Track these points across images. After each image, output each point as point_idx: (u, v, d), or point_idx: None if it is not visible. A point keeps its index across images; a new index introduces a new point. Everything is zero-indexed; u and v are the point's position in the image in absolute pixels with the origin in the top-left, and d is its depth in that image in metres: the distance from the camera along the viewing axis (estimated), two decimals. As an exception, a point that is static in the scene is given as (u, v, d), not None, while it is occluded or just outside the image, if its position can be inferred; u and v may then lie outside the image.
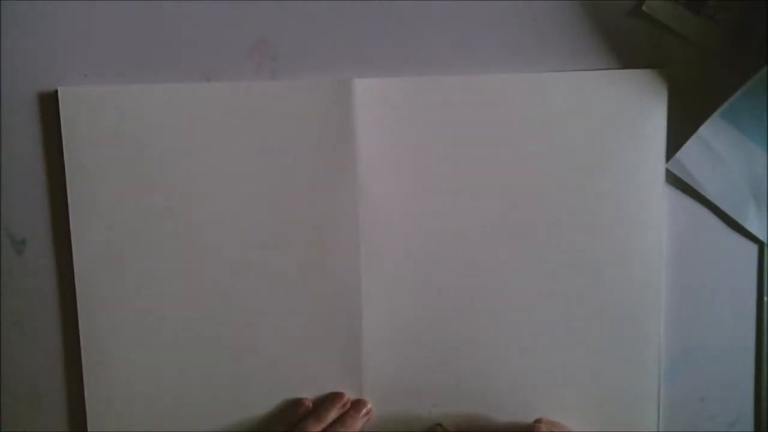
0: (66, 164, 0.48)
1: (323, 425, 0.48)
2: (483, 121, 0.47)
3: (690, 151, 0.46)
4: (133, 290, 0.49)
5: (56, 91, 0.48)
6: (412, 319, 0.49)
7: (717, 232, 0.48)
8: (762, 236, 0.48)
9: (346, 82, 0.47)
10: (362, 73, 0.47)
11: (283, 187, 0.48)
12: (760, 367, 0.49)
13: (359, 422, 0.48)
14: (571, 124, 0.47)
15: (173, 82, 0.48)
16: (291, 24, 0.47)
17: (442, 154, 0.48)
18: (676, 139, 0.47)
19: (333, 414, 0.48)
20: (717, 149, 0.46)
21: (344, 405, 0.49)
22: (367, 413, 0.49)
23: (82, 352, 0.49)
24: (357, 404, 0.49)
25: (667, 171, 0.47)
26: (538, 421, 0.47)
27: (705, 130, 0.46)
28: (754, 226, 0.47)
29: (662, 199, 0.47)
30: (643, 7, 0.46)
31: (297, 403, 0.49)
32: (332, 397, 0.49)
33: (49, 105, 0.48)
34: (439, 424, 0.49)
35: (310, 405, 0.49)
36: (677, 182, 0.48)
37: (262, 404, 0.50)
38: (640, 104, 0.47)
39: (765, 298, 0.48)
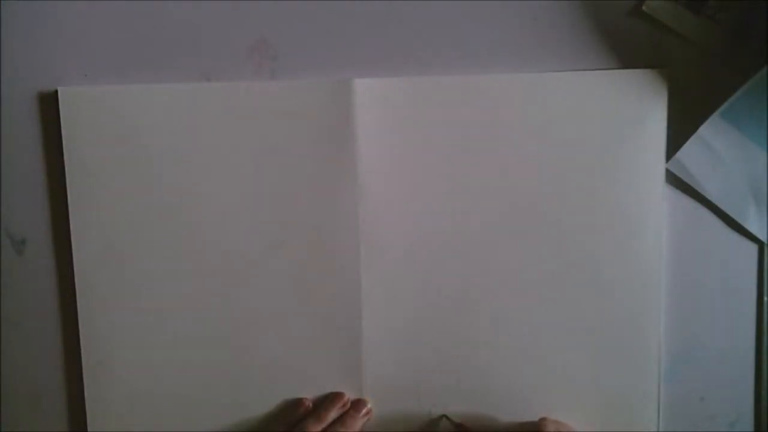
0: (66, 164, 0.48)
1: (323, 425, 0.48)
2: (483, 121, 0.47)
3: (690, 151, 0.46)
4: (133, 290, 0.49)
5: (56, 91, 0.48)
6: (412, 319, 0.49)
7: (717, 232, 0.48)
8: (762, 236, 0.48)
9: (346, 82, 0.47)
10: (362, 73, 0.47)
11: (283, 187, 0.48)
12: (760, 367, 0.49)
13: (359, 422, 0.48)
14: (571, 124, 0.47)
15: (173, 82, 0.48)
16: (291, 24, 0.47)
17: (442, 154, 0.48)
18: (676, 139, 0.47)
19: (333, 414, 0.48)
20: (717, 149, 0.46)
21: (344, 405, 0.49)
22: (367, 413, 0.49)
23: (82, 352, 0.49)
24: (357, 404, 0.49)
25: (667, 171, 0.47)
26: (543, 419, 0.47)
27: (705, 130, 0.46)
28: (754, 226, 0.47)
29: (662, 199, 0.47)
30: (643, 7, 0.46)
31: (297, 403, 0.49)
32: (332, 397, 0.49)
33: (49, 105, 0.48)
34: (445, 415, 0.49)
35: (310, 405, 0.49)
36: (677, 182, 0.48)
37: (262, 404, 0.50)
38: (640, 104, 0.47)
39: (765, 298, 0.48)
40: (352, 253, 0.48)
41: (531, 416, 0.49)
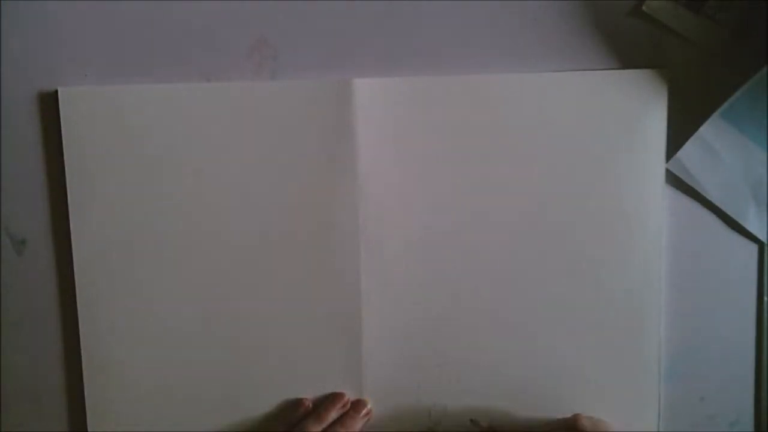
0: (66, 164, 0.48)
1: (323, 425, 0.48)
2: (483, 121, 0.47)
3: (690, 151, 0.46)
4: (133, 290, 0.49)
5: (56, 91, 0.48)
6: (412, 319, 0.49)
7: (717, 232, 0.48)
8: (762, 236, 0.48)
9: (346, 82, 0.47)
10: (362, 73, 0.47)
11: (283, 187, 0.48)
12: (760, 367, 0.49)
13: (359, 422, 0.48)
14: (571, 124, 0.47)
15: (173, 82, 0.48)
16: (291, 24, 0.47)
17: (442, 153, 0.48)
18: (676, 139, 0.47)
19: (333, 414, 0.48)
20: (717, 149, 0.46)
21: (344, 405, 0.49)
22: (367, 413, 0.49)
23: (82, 352, 0.49)
24: (357, 404, 0.49)
25: (667, 171, 0.47)
26: (577, 415, 0.47)
27: (705, 130, 0.46)
28: (754, 226, 0.47)
29: (662, 199, 0.47)
30: (643, 7, 0.46)
31: (297, 403, 0.49)
32: (332, 397, 0.49)
33: (49, 105, 0.48)
34: (472, 419, 0.49)
35: (310, 405, 0.49)
36: (677, 182, 0.48)
37: (262, 404, 0.50)
38: (640, 104, 0.47)
39: (765, 298, 0.48)
40: (352, 253, 0.48)
41: (531, 416, 0.49)
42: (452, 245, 0.48)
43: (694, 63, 0.47)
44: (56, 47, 0.48)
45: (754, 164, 0.46)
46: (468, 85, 0.47)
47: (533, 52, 0.47)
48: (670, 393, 0.49)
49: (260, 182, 0.48)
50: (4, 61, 0.48)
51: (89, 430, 0.50)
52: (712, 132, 0.46)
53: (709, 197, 0.47)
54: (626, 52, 0.47)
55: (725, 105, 0.45)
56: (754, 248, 0.48)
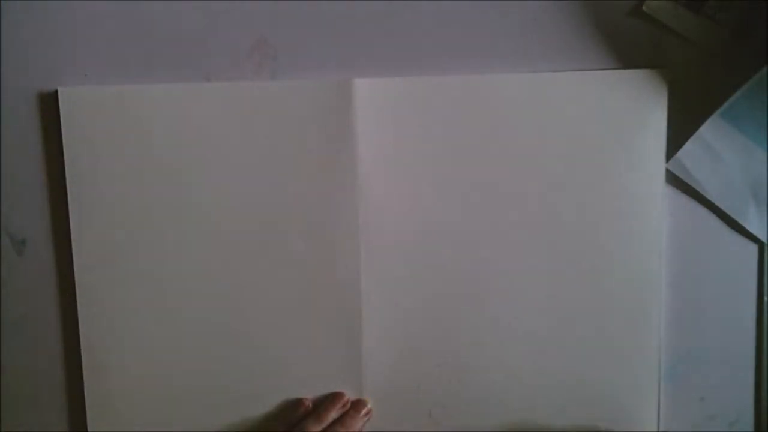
0: (66, 164, 0.48)
1: (323, 425, 0.48)
2: (483, 121, 0.47)
3: (690, 151, 0.46)
4: (133, 290, 0.49)
5: (56, 91, 0.48)
6: (412, 319, 0.49)
7: (717, 232, 0.48)
8: (762, 236, 0.48)
9: (346, 82, 0.47)
10: (362, 73, 0.47)
11: (283, 187, 0.48)
12: (760, 367, 0.49)
13: (359, 422, 0.48)
14: (571, 124, 0.47)
15: (173, 82, 0.48)
16: (291, 24, 0.47)
17: (442, 154, 0.48)
18: (676, 139, 0.47)
19: (333, 414, 0.48)
20: (717, 149, 0.46)
21: (344, 405, 0.49)
22: (367, 413, 0.49)
23: (82, 352, 0.49)
24: (357, 404, 0.49)
25: (667, 171, 0.47)
26: None
27: (705, 130, 0.46)
28: (754, 226, 0.47)
29: (662, 199, 0.47)
30: (643, 7, 0.46)
31: (297, 403, 0.49)
32: (332, 397, 0.49)
33: (49, 105, 0.48)
34: None
35: (310, 405, 0.49)
36: (677, 182, 0.48)
37: (262, 404, 0.50)
38: (640, 104, 0.47)
39: (765, 298, 0.48)
40: (352, 252, 0.48)
41: (531, 415, 0.49)
42: (452, 245, 0.48)
43: (694, 63, 0.47)
44: (56, 47, 0.48)
45: (754, 164, 0.46)
46: (468, 85, 0.47)
47: (533, 52, 0.47)
48: (670, 393, 0.49)
49: (260, 182, 0.48)
50: (4, 61, 0.48)
51: (89, 430, 0.50)
52: (712, 132, 0.46)
53: (709, 197, 0.47)
54: (626, 52, 0.47)
55: (725, 105, 0.45)
56: (754, 248, 0.48)
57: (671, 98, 0.47)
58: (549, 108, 0.47)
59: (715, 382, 0.49)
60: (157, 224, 0.48)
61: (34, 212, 0.49)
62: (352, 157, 0.47)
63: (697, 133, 0.46)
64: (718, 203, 0.47)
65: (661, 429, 0.49)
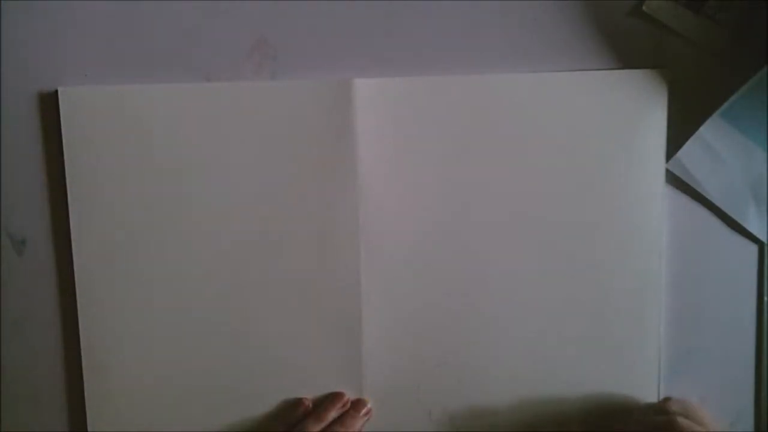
0: (66, 164, 0.48)
1: (323, 425, 0.48)
2: (483, 121, 0.47)
3: (690, 151, 0.46)
4: (133, 290, 0.49)
5: (56, 91, 0.48)
6: (412, 319, 0.49)
7: (717, 232, 0.48)
8: (762, 236, 0.48)
9: (346, 82, 0.47)
10: (362, 73, 0.47)
11: (283, 187, 0.48)
12: (760, 367, 0.49)
13: (359, 422, 0.48)
14: (571, 124, 0.47)
15: (173, 82, 0.48)
16: (291, 24, 0.47)
17: (443, 154, 0.48)
18: (676, 139, 0.47)
19: (333, 414, 0.48)
20: (717, 149, 0.46)
21: (344, 405, 0.49)
22: (367, 413, 0.49)
23: (82, 352, 0.49)
24: (357, 404, 0.49)
25: (667, 171, 0.47)
26: (667, 399, 0.47)
27: (705, 130, 0.46)
28: (754, 226, 0.47)
29: (662, 199, 0.47)
30: (643, 7, 0.46)
31: (297, 403, 0.49)
32: (332, 397, 0.49)
33: (49, 105, 0.48)
34: None
35: (310, 405, 0.49)
36: (677, 182, 0.48)
37: (262, 404, 0.50)
38: (640, 104, 0.47)
39: (765, 298, 0.48)
40: (352, 253, 0.48)
41: (531, 415, 0.49)
42: (452, 245, 0.48)
43: (694, 63, 0.47)
44: (56, 47, 0.48)
45: (754, 164, 0.46)
46: (468, 85, 0.47)
47: (533, 52, 0.47)
48: (670, 393, 0.49)
49: (260, 182, 0.48)
50: (4, 61, 0.48)
51: (89, 430, 0.50)
52: (712, 132, 0.46)
53: (709, 197, 0.47)
54: (626, 52, 0.47)
55: (725, 105, 0.45)
56: (754, 248, 0.48)
57: (671, 98, 0.47)
58: (549, 108, 0.47)
59: (715, 382, 0.49)
60: (157, 224, 0.48)
61: (34, 212, 0.49)
62: (352, 157, 0.47)
63: (697, 133, 0.46)
64: (718, 203, 0.47)
65: (661, 429, 0.49)
